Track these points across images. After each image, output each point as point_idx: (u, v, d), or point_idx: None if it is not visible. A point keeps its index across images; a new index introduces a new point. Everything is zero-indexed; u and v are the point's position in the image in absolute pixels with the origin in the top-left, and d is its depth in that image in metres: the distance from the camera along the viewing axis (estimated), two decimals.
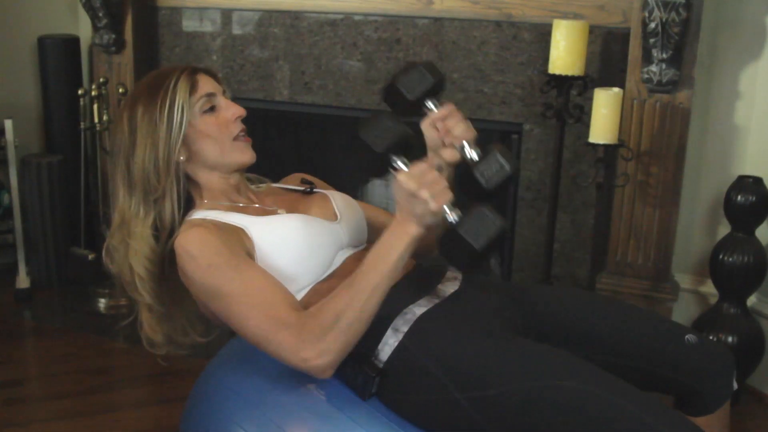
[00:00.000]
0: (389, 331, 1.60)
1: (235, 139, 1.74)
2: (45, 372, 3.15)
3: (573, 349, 1.65)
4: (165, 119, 1.68)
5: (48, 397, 2.96)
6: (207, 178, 1.74)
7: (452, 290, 1.73)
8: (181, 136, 1.69)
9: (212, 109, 1.74)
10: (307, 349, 1.50)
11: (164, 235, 1.71)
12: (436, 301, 1.67)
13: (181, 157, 1.71)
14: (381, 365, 1.59)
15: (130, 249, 1.70)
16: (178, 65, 1.77)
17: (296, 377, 1.64)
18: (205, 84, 1.74)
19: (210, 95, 1.73)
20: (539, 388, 1.48)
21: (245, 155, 1.75)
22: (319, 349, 1.50)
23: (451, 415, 1.55)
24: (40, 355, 3.33)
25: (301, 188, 1.92)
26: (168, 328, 1.78)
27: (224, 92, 1.79)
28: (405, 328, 1.60)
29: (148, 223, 1.70)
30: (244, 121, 1.80)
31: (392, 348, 1.59)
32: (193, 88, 1.71)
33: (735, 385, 1.76)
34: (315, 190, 1.92)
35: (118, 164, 1.72)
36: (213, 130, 1.72)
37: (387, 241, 1.54)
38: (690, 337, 1.72)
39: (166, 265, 1.73)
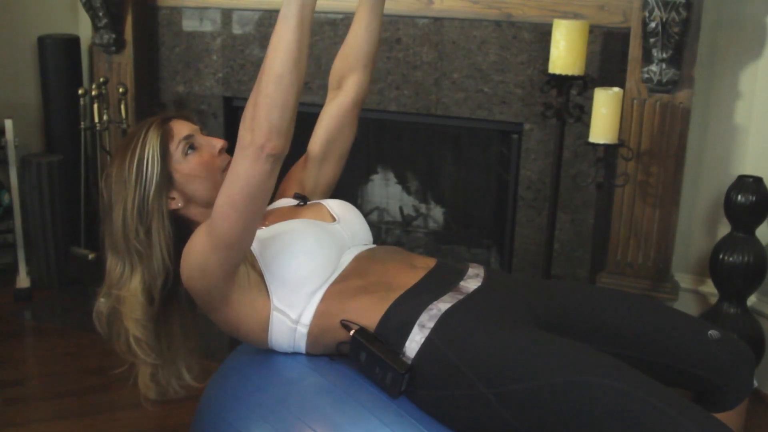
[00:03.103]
0: (415, 328, 1.61)
1: (224, 171, 1.73)
2: (45, 372, 3.15)
3: (595, 344, 1.66)
4: (134, 175, 1.68)
5: (48, 396, 2.96)
6: (206, 217, 1.72)
7: (475, 287, 1.74)
8: (154, 188, 1.69)
9: (194, 150, 1.75)
10: (252, 140, 1.47)
11: (159, 283, 1.72)
12: (460, 297, 1.68)
13: (179, 204, 1.73)
14: (409, 362, 1.60)
15: (123, 316, 1.72)
16: (149, 119, 1.77)
17: (321, 374, 1.66)
18: (180, 128, 1.75)
19: (188, 137, 1.74)
20: (565, 384, 1.49)
21: None
22: (254, 133, 1.47)
23: (478, 411, 1.56)
24: (40, 354, 3.33)
25: (295, 202, 1.93)
26: (163, 377, 1.80)
27: (201, 130, 1.80)
28: (431, 324, 1.60)
29: (135, 282, 1.71)
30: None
31: (419, 344, 1.59)
32: (168, 136, 1.72)
33: (755, 383, 1.76)
34: (309, 202, 1.93)
35: (105, 229, 1.74)
36: (199, 169, 1.73)
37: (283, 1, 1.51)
38: (712, 332, 1.73)
39: (177, 305, 1.77)
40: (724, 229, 2.96)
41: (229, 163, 1.73)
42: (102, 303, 1.77)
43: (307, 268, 1.67)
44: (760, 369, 2.89)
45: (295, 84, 1.47)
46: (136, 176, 1.68)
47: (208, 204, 1.73)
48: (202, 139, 1.77)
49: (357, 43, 1.96)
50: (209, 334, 1.89)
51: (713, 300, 3.01)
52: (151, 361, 1.75)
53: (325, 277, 1.70)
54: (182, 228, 1.74)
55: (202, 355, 1.86)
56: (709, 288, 3.06)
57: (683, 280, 3.14)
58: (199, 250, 1.60)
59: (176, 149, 1.72)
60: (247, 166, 1.49)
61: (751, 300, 2.99)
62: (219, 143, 1.77)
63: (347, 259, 1.76)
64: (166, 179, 1.70)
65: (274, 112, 1.46)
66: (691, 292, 3.15)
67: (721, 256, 2.87)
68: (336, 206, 1.90)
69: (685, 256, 3.14)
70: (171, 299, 1.77)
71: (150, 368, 1.78)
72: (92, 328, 1.82)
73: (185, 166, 1.73)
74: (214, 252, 1.58)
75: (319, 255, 1.70)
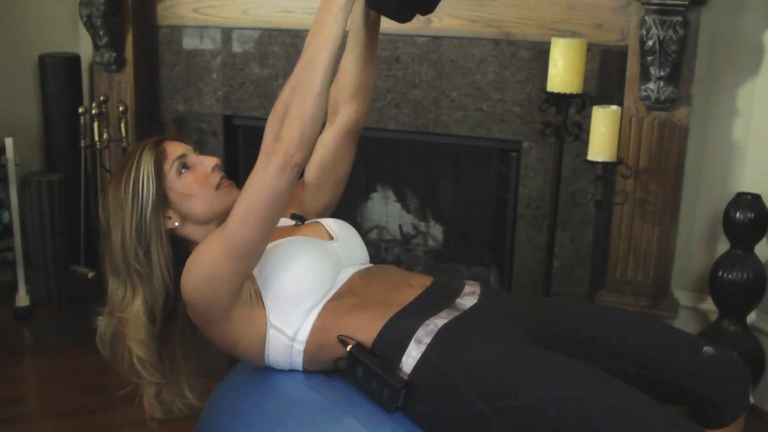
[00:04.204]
0: (412, 343, 1.61)
1: (218, 188, 1.76)
2: (44, 390, 3.15)
3: (591, 360, 1.66)
4: (130, 196, 1.70)
5: (47, 415, 2.95)
6: (204, 235, 1.73)
7: (471, 303, 1.75)
8: (150, 208, 1.70)
9: (188, 169, 1.76)
10: (281, 150, 1.52)
11: (161, 301, 1.73)
12: (457, 313, 1.69)
13: (176, 223, 1.74)
14: (406, 377, 1.60)
15: (127, 337, 1.73)
16: (142, 142, 1.79)
17: (318, 392, 1.66)
18: (174, 149, 1.76)
19: (181, 157, 1.76)
20: (561, 399, 1.49)
21: (231, 198, 1.75)
22: (283, 142, 1.52)
23: (475, 426, 1.56)
24: (39, 373, 3.33)
25: (293, 222, 1.94)
26: (167, 396, 1.81)
27: (194, 150, 1.81)
28: (428, 340, 1.61)
29: (138, 303, 1.72)
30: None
31: (416, 360, 1.60)
32: (161, 157, 1.73)
33: (751, 399, 1.77)
34: (306, 221, 1.94)
35: (105, 252, 1.75)
36: (194, 187, 1.75)
37: (317, 17, 1.56)
38: (708, 348, 1.74)
39: (177, 324, 1.78)
40: (723, 246, 2.96)
41: (222, 178, 1.76)
42: (104, 326, 1.78)
43: (303, 285, 1.68)
44: (760, 386, 2.88)
45: (327, 100, 1.55)
46: (132, 198, 1.70)
47: (204, 222, 1.75)
48: (195, 158, 1.78)
49: (348, 74, 1.94)
50: (208, 353, 1.90)
51: (713, 317, 3.01)
52: (155, 380, 1.76)
53: (322, 294, 1.71)
54: (180, 247, 1.75)
55: (202, 374, 1.87)
56: (709, 305, 3.05)
57: (683, 297, 3.14)
58: (209, 260, 1.61)
59: (170, 169, 1.74)
60: (274, 175, 1.53)
61: (751, 317, 2.99)
62: (212, 161, 1.78)
63: (344, 277, 1.77)
64: (162, 199, 1.72)
65: (309, 125, 1.52)
66: (691, 309, 3.15)
67: (720, 274, 2.87)
68: (333, 225, 1.91)
69: (684, 274, 3.14)
70: (171, 318, 1.78)
71: (154, 388, 1.78)
72: (92, 347, 1.83)
73: (180, 185, 1.74)
74: (227, 262, 1.59)
75: (316, 272, 1.71)
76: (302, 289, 1.68)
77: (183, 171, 1.75)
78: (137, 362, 1.73)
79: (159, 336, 1.76)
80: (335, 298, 1.71)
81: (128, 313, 1.72)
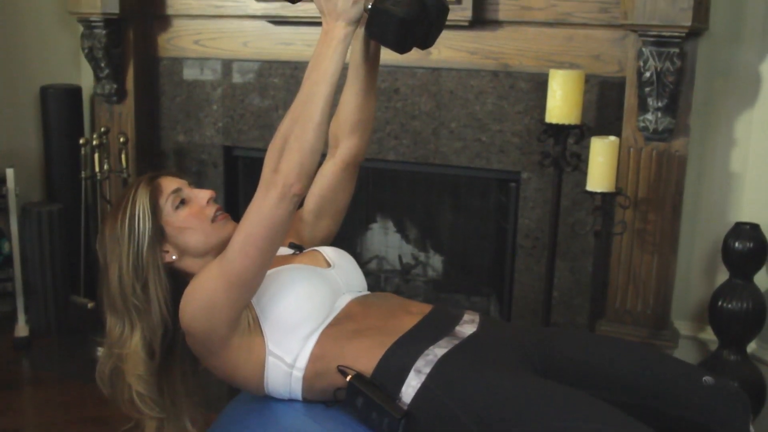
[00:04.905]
0: (412, 373, 1.62)
1: (214, 220, 1.78)
2: (44, 421, 3.13)
3: (591, 390, 1.66)
4: (127, 232, 1.72)
5: None
6: (201, 267, 1.74)
7: (470, 332, 1.75)
8: (147, 243, 1.72)
9: (183, 202, 1.78)
10: (281, 180, 1.55)
11: (159, 335, 1.74)
12: (456, 342, 1.69)
13: (173, 257, 1.76)
14: (405, 407, 1.60)
15: (126, 373, 1.74)
16: (138, 178, 1.82)
17: (318, 422, 1.67)
18: (169, 184, 1.79)
19: (176, 191, 1.78)
20: (561, 429, 1.49)
21: (227, 231, 1.77)
22: (281, 173, 1.55)
23: None
24: (38, 404, 3.31)
25: (291, 251, 1.94)
26: (169, 431, 1.81)
27: (190, 184, 1.84)
28: (427, 370, 1.61)
29: (136, 338, 1.73)
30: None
31: (415, 390, 1.60)
32: (156, 192, 1.76)
33: (751, 429, 1.76)
34: (305, 249, 1.95)
35: (103, 289, 1.77)
36: (190, 221, 1.77)
37: (317, 50, 1.60)
38: (707, 378, 1.73)
39: (177, 358, 1.79)
40: (723, 275, 2.97)
41: (218, 211, 1.77)
42: (103, 362, 1.78)
43: (301, 311, 1.69)
44: (760, 416, 2.87)
45: (327, 132, 1.59)
46: (129, 233, 1.72)
47: (201, 254, 1.76)
48: (190, 192, 1.80)
49: (348, 108, 1.94)
50: (208, 384, 1.90)
51: (713, 347, 3.01)
52: (156, 415, 1.77)
53: (320, 321, 1.72)
54: (177, 281, 1.76)
55: (202, 406, 1.86)
56: (709, 335, 3.05)
57: (682, 327, 3.14)
58: (208, 289, 1.62)
59: (166, 203, 1.76)
60: (273, 205, 1.56)
61: (751, 347, 2.99)
62: (207, 194, 1.80)
63: (341, 304, 1.78)
64: (158, 233, 1.73)
65: (308, 157, 1.56)
66: (691, 339, 3.15)
67: (720, 303, 2.88)
68: (331, 252, 1.92)
69: (684, 304, 3.14)
70: (171, 353, 1.78)
71: (155, 423, 1.79)
72: (92, 378, 1.83)
73: (175, 219, 1.76)
74: (226, 291, 1.61)
75: (314, 299, 1.72)
76: (300, 316, 1.69)
77: (179, 205, 1.76)
78: (137, 398, 1.74)
79: (159, 370, 1.77)
80: (333, 324, 1.72)
81: (127, 348, 1.73)
